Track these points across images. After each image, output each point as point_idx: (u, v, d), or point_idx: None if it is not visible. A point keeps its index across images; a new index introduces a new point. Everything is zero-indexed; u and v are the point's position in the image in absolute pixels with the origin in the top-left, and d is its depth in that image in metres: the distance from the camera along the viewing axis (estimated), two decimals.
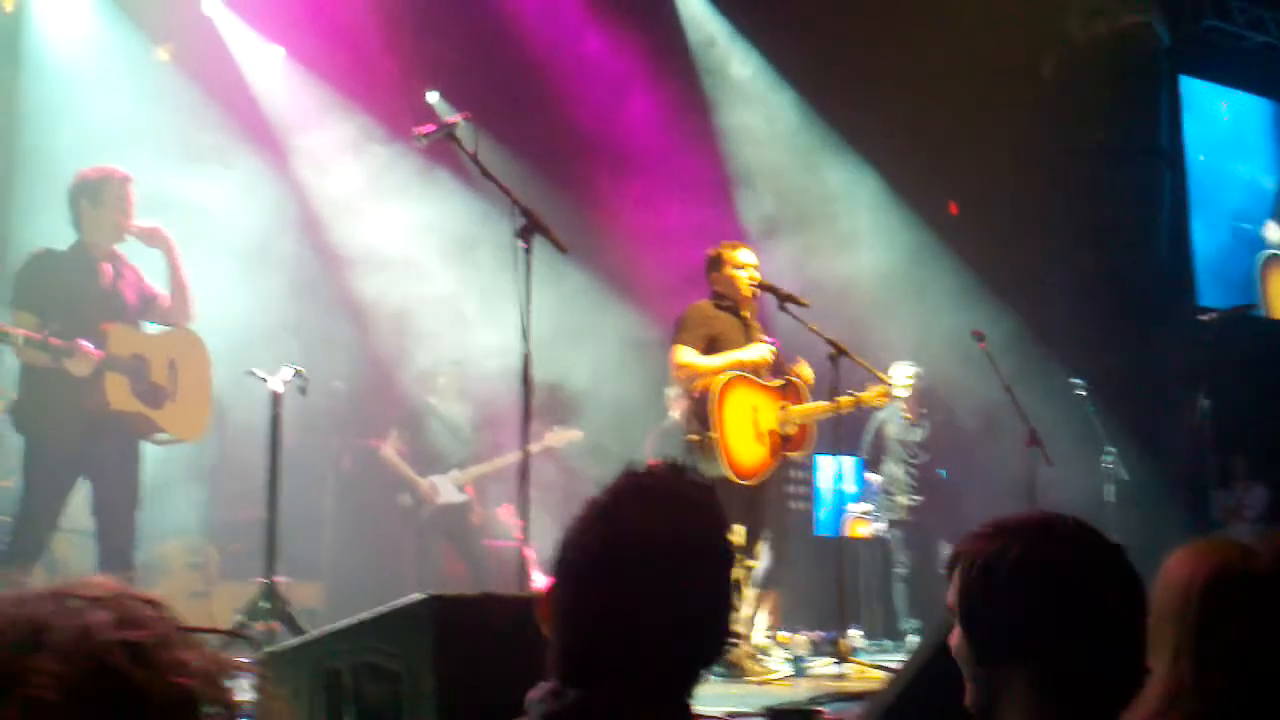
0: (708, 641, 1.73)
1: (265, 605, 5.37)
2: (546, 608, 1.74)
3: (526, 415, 4.94)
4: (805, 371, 6.77)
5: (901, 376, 9.23)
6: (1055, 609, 1.88)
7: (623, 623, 1.65)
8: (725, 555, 1.74)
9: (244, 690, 3.34)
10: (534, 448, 8.45)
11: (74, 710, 0.80)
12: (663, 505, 1.69)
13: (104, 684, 0.81)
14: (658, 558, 1.65)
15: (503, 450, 8.59)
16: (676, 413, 8.61)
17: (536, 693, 1.70)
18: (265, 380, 5.33)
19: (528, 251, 4.90)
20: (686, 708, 1.73)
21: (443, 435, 8.75)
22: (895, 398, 7.74)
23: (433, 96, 9.45)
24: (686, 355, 6.39)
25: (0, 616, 0.83)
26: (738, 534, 6.27)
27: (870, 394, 6.81)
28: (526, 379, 4.90)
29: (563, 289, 8.52)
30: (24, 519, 5.68)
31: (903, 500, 9.43)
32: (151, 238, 5.92)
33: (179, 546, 8.23)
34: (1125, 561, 1.93)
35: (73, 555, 7.44)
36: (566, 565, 1.71)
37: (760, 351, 6.52)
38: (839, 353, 6.49)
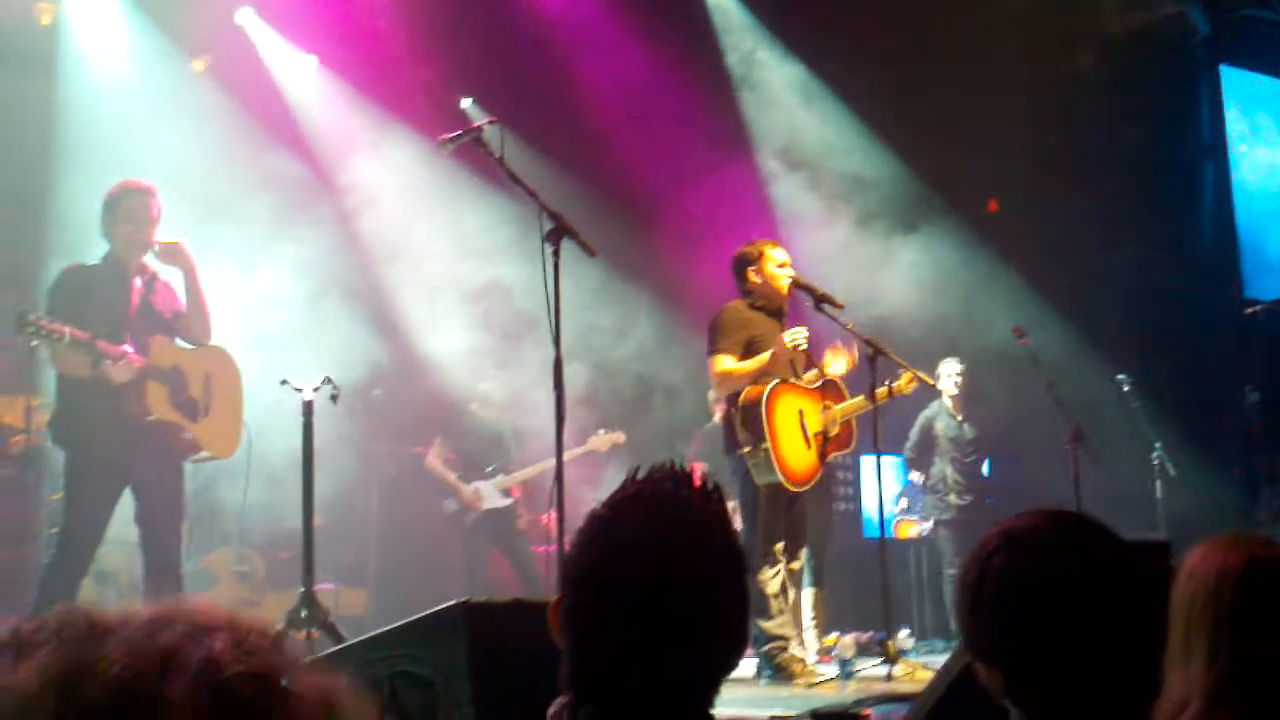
0: (720, 649, 1.69)
1: (304, 613, 5.37)
2: (556, 619, 1.72)
3: (559, 419, 4.90)
4: (837, 360, 6.57)
5: (949, 374, 9.21)
6: (1010, 618, 1.84)
7: (628, 637, 1.62)
8: (732, 561, 1.69)
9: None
10: (577, 451, 8.51)
11: None
12: (663, 515, 1.65)
13: (234, 714, 0.80)
14: (659, 569, 1.62)
15: (547, 455, 8.56)
16: (718, 416, 8.58)
17: (554, 708, 1.67)
18: (299, 390, 5.35)
19: (556, 255, 4.87)
20: (708, 717, 1.70)
21: (487, 441, 8.75)
22: (937, 387, 7.65)
23: (466, 103, 9.47)
24: (726, 364, 6.28)
25: (129, 641, 0.82)
26: (779, 541, 6.25)
27: (902, 382, 6.71)
28: (558, 383, 4.86)
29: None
30: (69, 531, 5.70)
31: (953, 499, 9.35)
32: (172, 255, 5.93)
33: (227, 556, 8.30)
34: (1117, 567, 1.86)
35: (123, 567, 7.50)
36: (571, 579, 1.69)
37: (791, 337, 6.21)
38: (876, 352, 6.40)
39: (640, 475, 1.72)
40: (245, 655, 0.85)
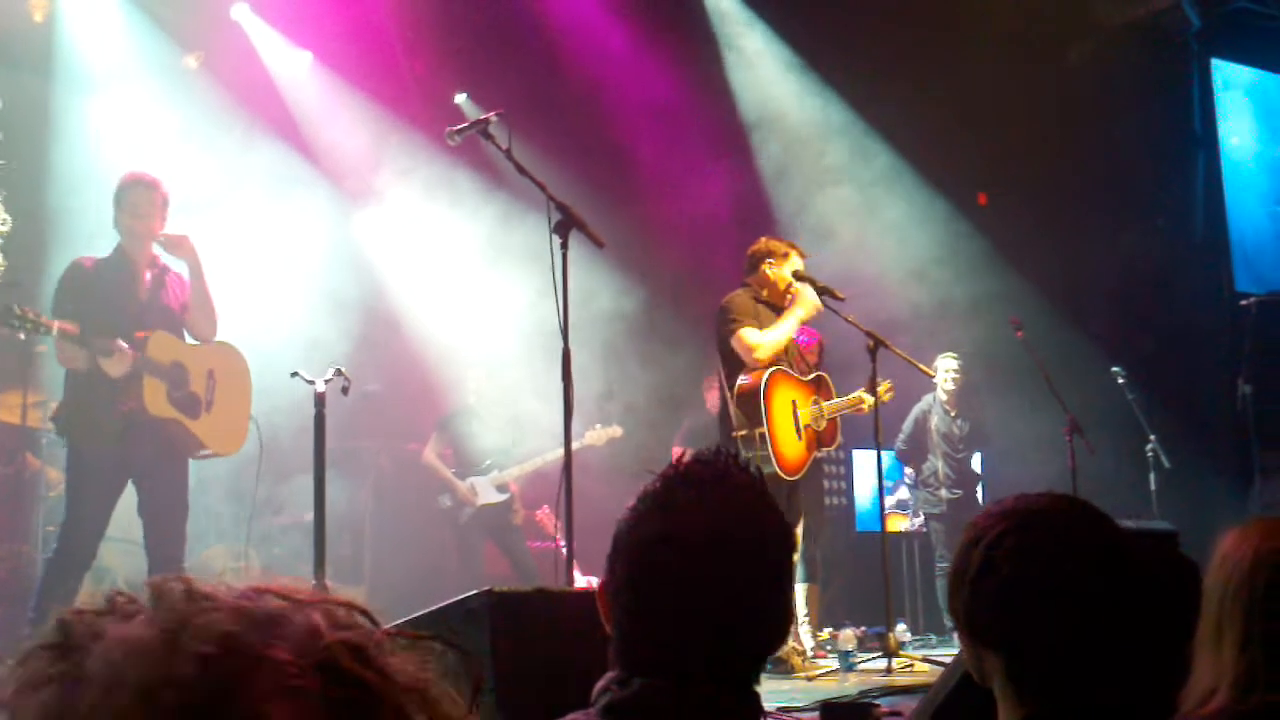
0: (769, 626, 1.70)
1: None
2: (604, 600, 1.72)
3: (568, 411, 4.90)
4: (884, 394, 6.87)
5: (945, 370, 9.22)
6: (1017, 600, 1.80)
7: (682, 610, 1.63)
8: (782, 540, 1.71)
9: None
10: (573, 445, 8.47)
11: (312, 708, 0.79)
12: (717, 491, 1.67)
13: (334, 682, 0.81)
14: (715, 544, 1.63)
15: (543, 450, 8.58)
16: (711, 407, 8.60)
17: (602, 683, 1.68)
18: (311, 382, 5.32)
19: (564, 247, 4.86)
20: (753, 693, 1.70)
21: (483, 436, 8.73)
22: (933, 380, 7.62)
23: (460, 98, 9.45)
24: (755, 335, 6.32)
25: (236, 608, 0.83)
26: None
27: (880, 390, 6.76)
28: (566, 375, 4.86)
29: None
30: (70, 525, 5.66)
31: (944, 494, 9.37)
32: (178, 247, 5.89)
33: (222, 552, 8.27)
34: (1117, 552, 1.83)
35: (121, 564, 7.46)
36: (623, 555, 1.69)
37: (809, 300, 6.44)
38: (876, 344, 6.43)
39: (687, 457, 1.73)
40: (343, 628, 0.85)
